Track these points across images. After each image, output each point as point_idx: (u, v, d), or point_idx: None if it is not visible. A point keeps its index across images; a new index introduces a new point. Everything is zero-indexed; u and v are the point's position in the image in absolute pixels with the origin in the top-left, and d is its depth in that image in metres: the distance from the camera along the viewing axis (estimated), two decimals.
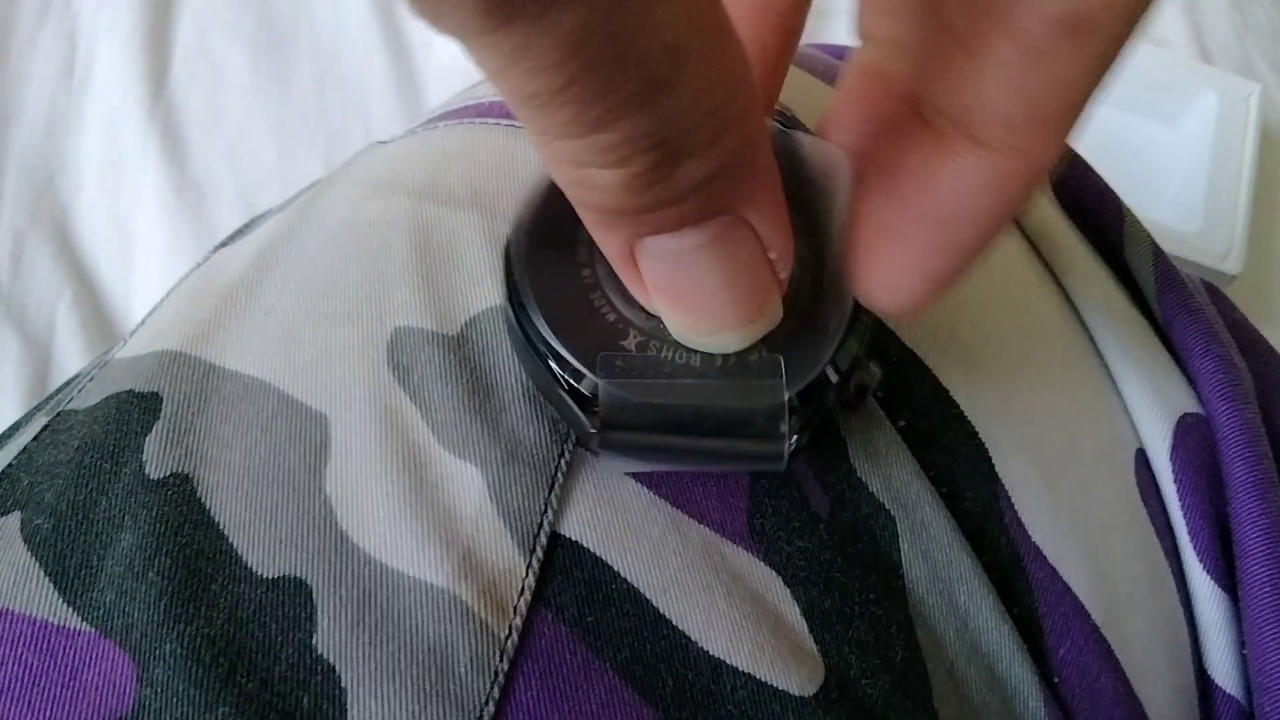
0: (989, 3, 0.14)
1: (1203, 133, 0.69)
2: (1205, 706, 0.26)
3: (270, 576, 0.19)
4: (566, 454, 0.21)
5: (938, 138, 0.16)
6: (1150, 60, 0.72)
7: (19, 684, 0.18)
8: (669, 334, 0.19)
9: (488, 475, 0.20)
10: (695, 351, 0.20)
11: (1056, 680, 0.23)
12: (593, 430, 0.19)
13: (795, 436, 0.19)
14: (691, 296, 0.18)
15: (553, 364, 0.20)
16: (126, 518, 0.20)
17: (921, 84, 0.16)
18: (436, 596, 0.19)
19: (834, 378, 0.20)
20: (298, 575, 0.19)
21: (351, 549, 0.20)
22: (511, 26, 0.12)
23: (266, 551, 0.20)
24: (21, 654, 0.19)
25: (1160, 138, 0.72)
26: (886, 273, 0.18)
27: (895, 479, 0.23)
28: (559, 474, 0.21)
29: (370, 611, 0.19)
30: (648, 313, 0.20)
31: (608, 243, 0.17)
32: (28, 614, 0.19)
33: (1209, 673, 0.26)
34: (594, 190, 0.15)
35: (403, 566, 0.20)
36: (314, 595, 0.19)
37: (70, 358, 0.60)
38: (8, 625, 0.19)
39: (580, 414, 0.20)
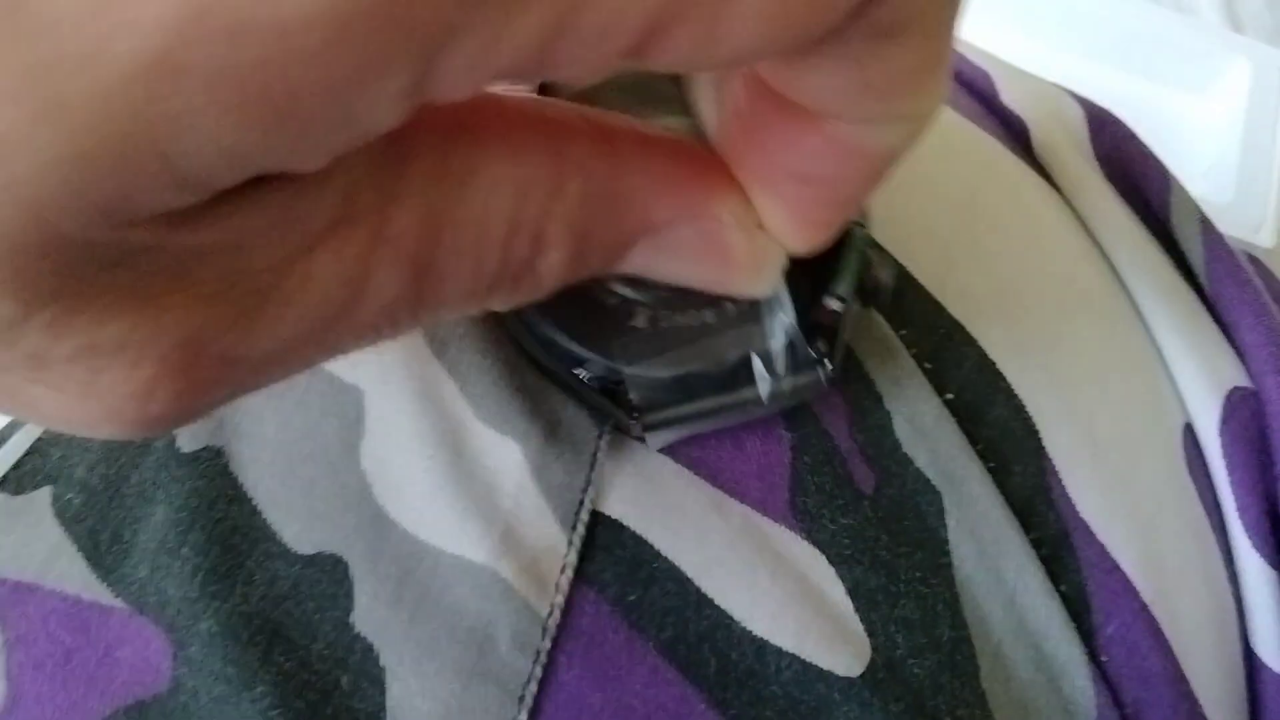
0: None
1: (1235, 103, 0.67)
2: (1251, 685, 0.25)
3: (306, 553, 0.19)
4: (606, 432, 0.21)
5: (795, 113, 0.15)
6: (1180, 30, 0.71)
7: (52, 661, 0.18)
8: (675, 299, 0.19)
9: (528, 452, 0.20)
10: (705, 308, 0.19)
11: (1104, 659, 0.22)
12: (633, 419, 0.19)
13: (829, 366, 0.19)
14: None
15: (577, 371, 0.19)
16: (159, 492, 0.20)
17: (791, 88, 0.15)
18: (477, 574, 0.19)
19: (837, 305, 0.20)
20: (334, 552, 0.19)
21: (389, 525, 0.19)
22: None
23: (302, 527, 0.19)
24: (55, 630, 0.18)
25: (1192, 108, 0.71)
26: (778, 225, 0.17)
27: (942, 453, 0.22)
28: (599, 452, 0.20)
29: (409, 589, 0.19)
30: (647, 284, 0.19)
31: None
32: (60, 590, 0.19)
33: (1255, 651, 0.25)
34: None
35: (442, 543, 0.19)
36: (351, 572, 0.19)
37: None
38: (40, 601, 0.19)
39: (615, 408, 0.19)
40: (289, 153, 0.11)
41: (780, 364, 0.19)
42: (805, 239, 0.16)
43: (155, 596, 0.19)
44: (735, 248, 0.15)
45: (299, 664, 0.18)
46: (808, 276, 0.19)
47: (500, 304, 0.15)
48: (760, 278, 0.16)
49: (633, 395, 0.19)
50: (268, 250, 0.12)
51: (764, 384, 0.19)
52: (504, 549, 0.19)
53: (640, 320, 0.19)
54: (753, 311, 0.19)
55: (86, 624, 0.18)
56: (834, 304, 0.20)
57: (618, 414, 0.20)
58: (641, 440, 0.20)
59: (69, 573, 0.19)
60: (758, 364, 0.19)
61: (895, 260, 0.20)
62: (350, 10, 0.09)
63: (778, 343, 0.19)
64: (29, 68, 0.08)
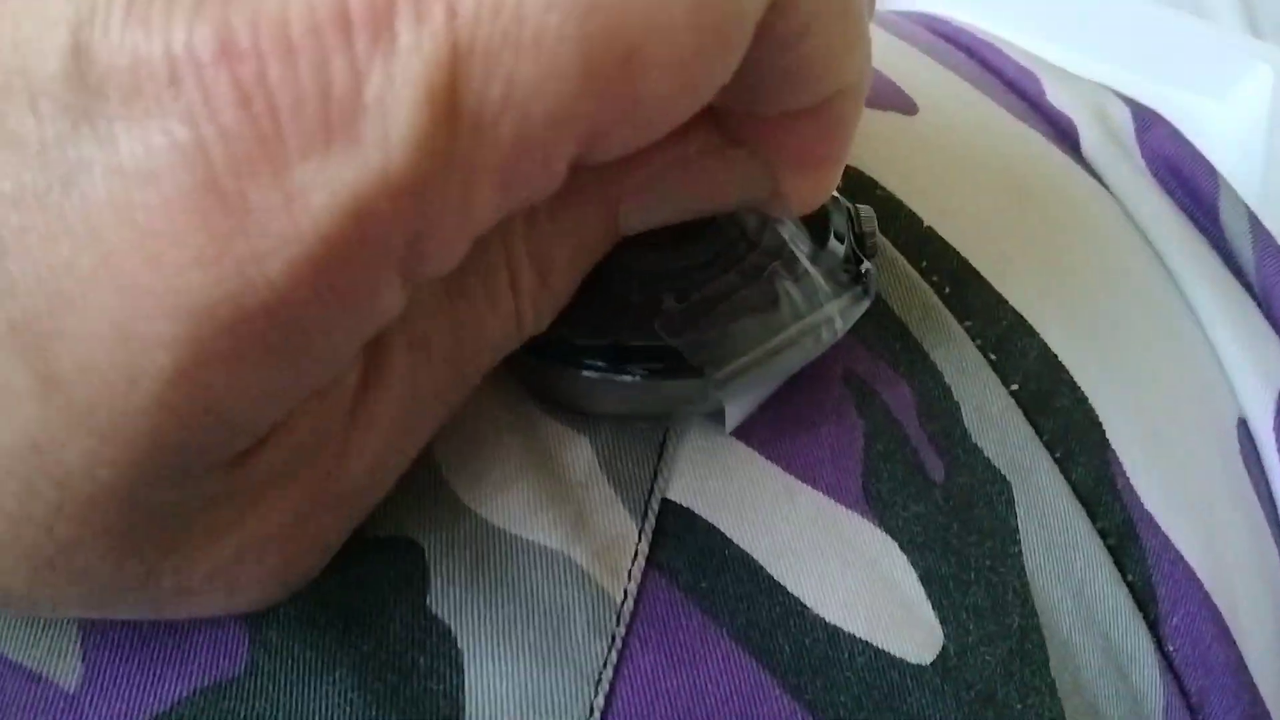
0: None
1: (1257, 109, 0.68)
2: None
3: (380, 536, 0.19)
4: (676, 423, 0.21)
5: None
6: (1201, 35, 0.71)
7: (127, 642, 0.18)
8: (695, 272, 0.20)
9: (596, 444, 0.20)
10: (728, 271, 0.20)
11: (1170, 648, 0.22)
12: (708, 388, 0.19)
13: (870, 276, 0.20)
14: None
15: (629, 375, 0.19)
16: None
17: None
18: (550, 559, 0.19)
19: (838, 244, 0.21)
20: (408, 535, 0.19)
21: (463, 511, 0.20)
22: None
23: (377, 512, 0.19)
24: None
25: (1212, 113, 0.71)
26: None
27: (1010, 443, 0.22)
28: (667, 441, 0.20)
29: (484, 573, 0.19)
30: (661, 273, 0.20)
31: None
32: None
33: None
34: None
35: (515, 529, 0.19)
36: (425, 555, 0.19)
37: None
38: None
39: (681, 382, 0.19)
40: (321, 374, 0.12)
41: (822, 290, 0.20)
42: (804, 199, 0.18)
43: None
44: (720, 174, 0.17)
45: (376, 644, 0.18)
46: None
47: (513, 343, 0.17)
48: (759, 190, 0.18)
49: (697, 361, 0.19)
50: (327, 421, 0.14)
51: (815, 305, 0.20)
52: (576, 535, 0.19)
53: (669, 302, 0.19)
54: (772, 262, 0.20)
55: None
56: (836, 244, 0.21)
57: (685, 389, 0.19)
58: (718, 408, 0.20)
59: None
60: (801, 291, 0.20)
61: (870, 210, 0.22)
62: (322, 257, 0.11)
63: (812, 270, 0.20)
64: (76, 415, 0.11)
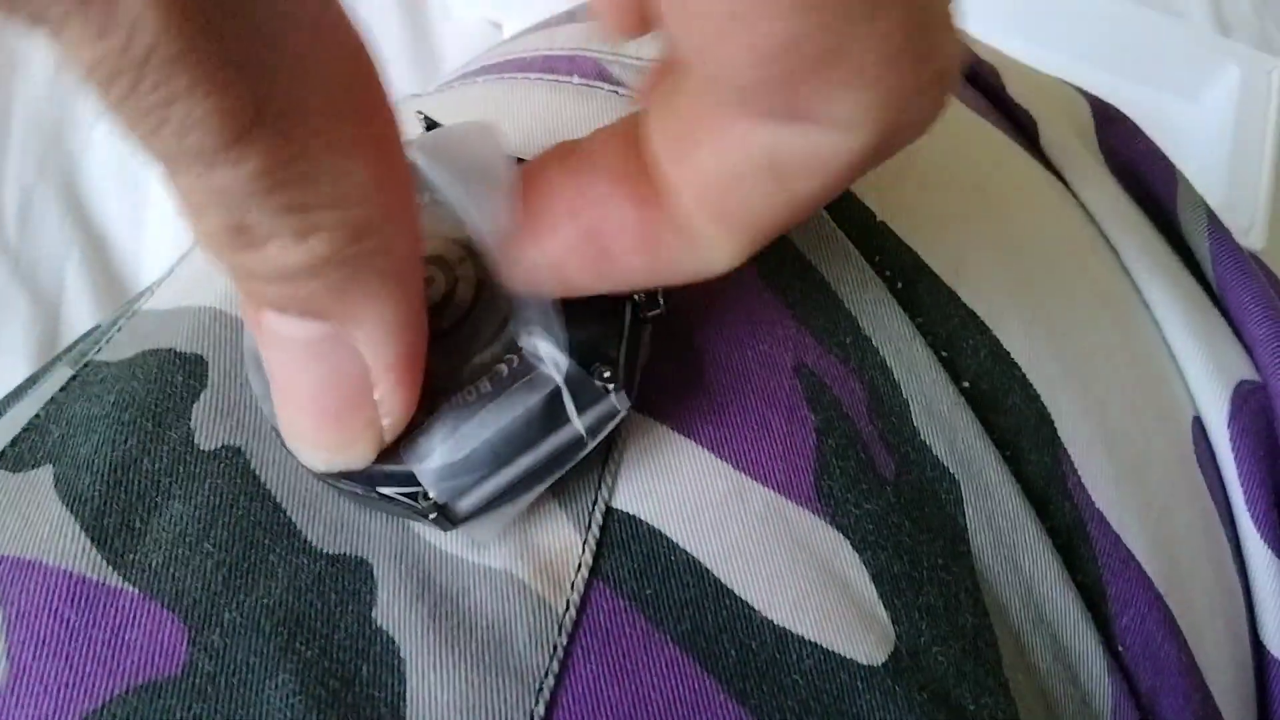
0: (702, 108, 0.15)
1: (1225, 107, 0.68)
2: (1259, 676, 0.26)
3: (330, 553, 0.19)
4: (623, 426, 0.20)
5: (640, 185, 0.16)
6: (1171, 34, 0.71)
7: (55, 639, 0.18)
8: (444, 380, 0.18)
9: None
10: (478, 379, 0.18)
11: (1120, 649, 0.22)
12: (441, 522, 0.18)
13: (618, 390, 0.18)
14: (286, 390, 0.17)
15: (384, 490, 0.18)
16: (175, 485, 0.20)
17: (645, 132, 0.16)
18: (494, 577, 0.19)
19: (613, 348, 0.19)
20: (359, 555, 0.19)
21: (413, 536, 0.20)
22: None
23: (326, 529, 0.19)
24: (58, 607, 0.18)
25: (1181, 112, 0.71)
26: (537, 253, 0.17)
27: (959, 441, 0.22)
28: (613, 449, 0.20)
29: (430, 590, 0.19)
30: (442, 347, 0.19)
31: (240, 299, 0.17)
32: (64, 568, 0.18)
33: (1264, 642, 0.25)
34: (192, 231, 0.14)
35: (462, 553, 0.19)
36: (375, 572, 0.19)
37: (81, 319, 0.59)
38: (43, 578, 0.18)
39: (429, 516, 0.18)
40: None
41: (570, 406, 0.18)
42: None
43: (171, 585, 0.18)
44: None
45: (320, 652, 0.18)
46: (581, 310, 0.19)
47: None
48: None
49: (433, 493, 0.18)
50: None
51: (574, 420, 0.18)
52: (520, 552, 0.19)
53: (418, 415, 0.18)
54: (526, 366, 0.18)
55: (93, 603, 0.18)
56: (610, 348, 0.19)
57: (436, 521, 0.18)
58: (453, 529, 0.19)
59: (73, 552, 0.19)
60: (563, 400, 0.18)
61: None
62: None
63: (561, 379, 0.18)
64: None
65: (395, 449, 0.18)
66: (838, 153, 0.14)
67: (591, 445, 0.19)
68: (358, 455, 0.17)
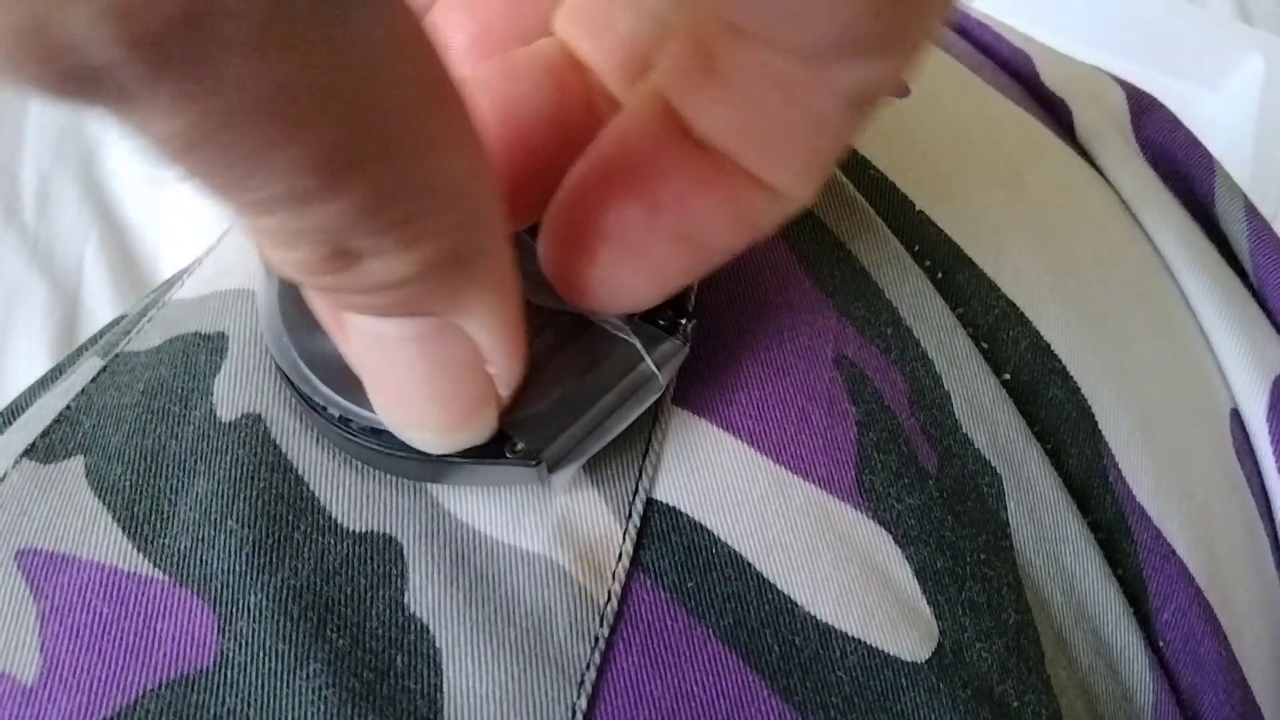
0: (774, 74, 0.14)
1: (1248, 97, 0.67)
2: None
3: (357, 530, 0.19)
4: (662, 420, 0.20)
5: (703, 160, 0.15)
6: (1194, 23, 0.71)
7: (89, 632, 0.17)
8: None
9: None
10: (544, 330, 0.19)
11: (1161, 644, 0.22)
12: (534, 465, 0.18)
13: (686, 326, 0.19)
14: (392, 384, 0.16)
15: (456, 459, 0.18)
16: (199, 463, 0.19)
17: (696, 115, 0.15)
18: (533, 562, 0.18)
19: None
20: (387, 532, 0.19)
21: (443, 514, 0.19)
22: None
23: (352, 504, 0.19)
24: (91, 601, 0.18)
25: (1204, 102, 0.71)
26: (622, 279, 0.17)
27: (1001, 435, 0.22)
28: (653, 439, 0.20)
29: (464, 573, 0.18)
30: None
31: (315, 304, 0.16)
32: (96, 560, 0.18)
33: None
34: (274, 258, 0.13)
35: (497, 534, 0.19)
36: (405, 553, 0.18)
37: (99, 304, 0.59)
38: (76, 572, 0.18)
39: (516, 467, 0.18)
40: None
41: (639, 345, 0.19)
42: (648, 296, 0.17)
43: (199, 569, 0.18)
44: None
45: (352, 641, 0.17)
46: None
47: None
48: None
49: (521, 444, 0.18)
50: None
51: (645, 359, 0.19)
52: (559, 538, 0.19)
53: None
54: (588, 319, 0.19)
55: (125, 595, 0.18)
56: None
57: (521, 473, 0.18)
58: (548, 484, 0.19)
59: (105, 544, 0.19)
60: (616, 350, 0.19)
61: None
62: None
63: (625, 326, 0.19)
64: None
65: None
66: (904, 69, 0.14)
67: (666, 382, 0.19)
68: (482, 429, 0.17)
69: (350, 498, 0.19)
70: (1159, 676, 0.21)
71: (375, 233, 0.12)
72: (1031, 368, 0.23)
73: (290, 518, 0.19)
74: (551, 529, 0.19)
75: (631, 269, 0.16)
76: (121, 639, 0.17)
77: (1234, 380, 0.27)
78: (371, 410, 0.18)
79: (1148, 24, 0.71)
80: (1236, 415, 0.26)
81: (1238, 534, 0.25)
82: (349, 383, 0.18)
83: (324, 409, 0.19)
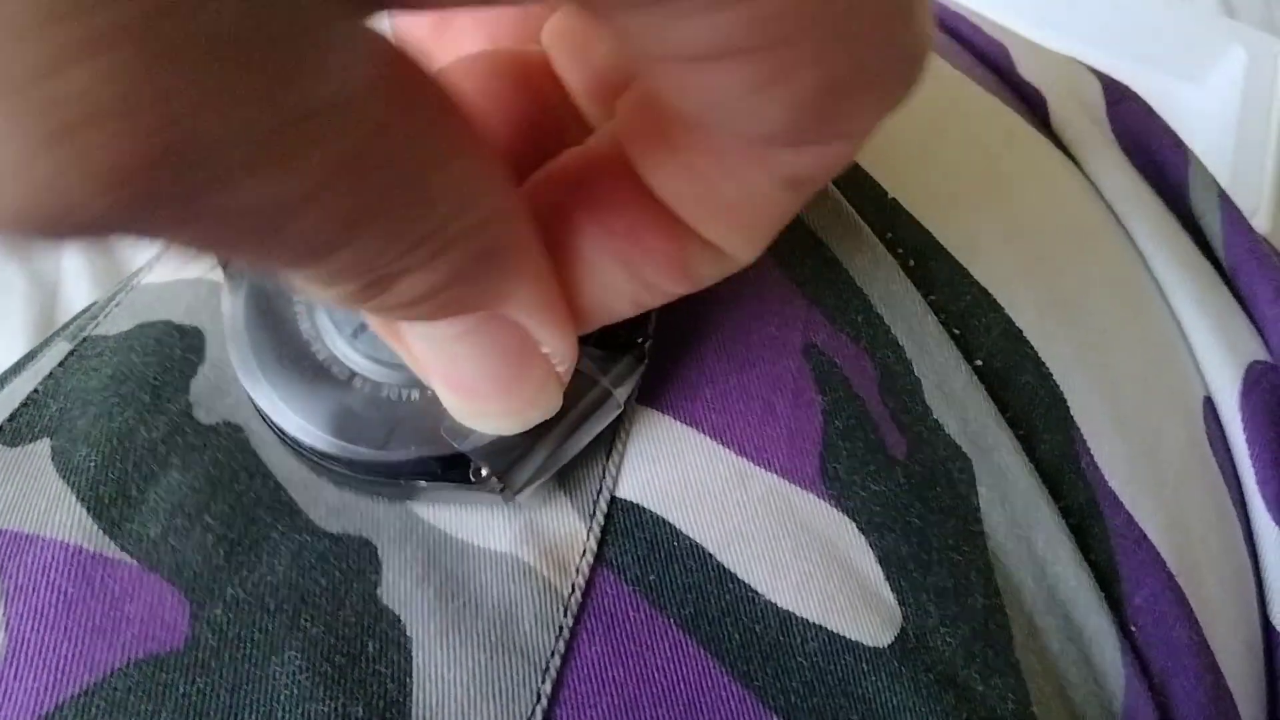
0: (716, 151, 0.14)
1: (1230, 90, 0.68)
2: (1269, 658, 0.25)
3: (333, 532, 0.19)
4: (626, 421, 0.20)
5: (656, 207, 0.16)
6: (1175, 16, 0.71)
7: (54, 611, 0.18)
8: None
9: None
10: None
11: (1134, 629, 0.22)
12: (500, 492, 0.19)
13: (645, 344, 0.20)
14: (455, 378, 0.17)
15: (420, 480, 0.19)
16: (173, 455, 0.20)
17: (645, 172, 0.16)
18: (500, 560, 0.19)
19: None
20: (363, 534, 0.19)
21: (416, 519, 0.20)
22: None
23: (327, 510, 0.19)
24: (55, 580, 0.18)
25: (1186, 95, 0.71)
26: (567, 290, 0.17)
27: (972, 420, 0.22)
28: (616, 440, 0.20)
29: (435, 571, 0.19)
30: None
31: (371, 321, 0.16)
32: (60, 540, 0.18)
33: (1273, 624, 0.25)
34: (312, 294, 0.13)
35: (467, 537, 0.19)
36: (379, 553, 0.19)
37: (78, 298, 0.59)
38: (40, 551, 0.18)
39: (481, 490, 0.19)
40: None
41: (593, 368, 0.19)
42: (597, 323, 0.17)
43: (170, 557, 0.18)
44: (535, 367, 0.16)
45: (325, 629, 0.18)
46: None
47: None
48: (534, 405, 0.17)
49: (484, 469, 0.18)
50: None
51: (600, 381, 0.19)
52: (526, 538, 0.19)
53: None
54: None
55: (91, 576, 0.18)
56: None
57: (487, 495, 0.19)
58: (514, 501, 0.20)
59: (70, 524, 0.19)
60: (586, 367, 0.19)
61: None
62: None
63: (589, 350, 0.19)
64: None
65: (441, 436, 0.18)
66: (851, 152, 0.14)
67: (624, 399, 0.19)
68: (548, 404, 0.17)
69: (327, 505, 0.19)
70: (1130, 661, 0.21)
71: (401, 255, 0.12)
72: (1004, 354, 0.23)
73: (268, 519, 0.19)
74: (518, 530, 0.19)
75: (575, 282, 0.16)
76: (87, 619, 0.17)
77: (1207, 368, 0.27)
78: (341, 439, 0.18)
79: (1130, 17, 0.71)
80: (1209, 403, 0.26)
81: (1210, 520, 0.25)
82: (322, 412, 0.19)
83: (297, 441, 0.19)
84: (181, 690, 0.17)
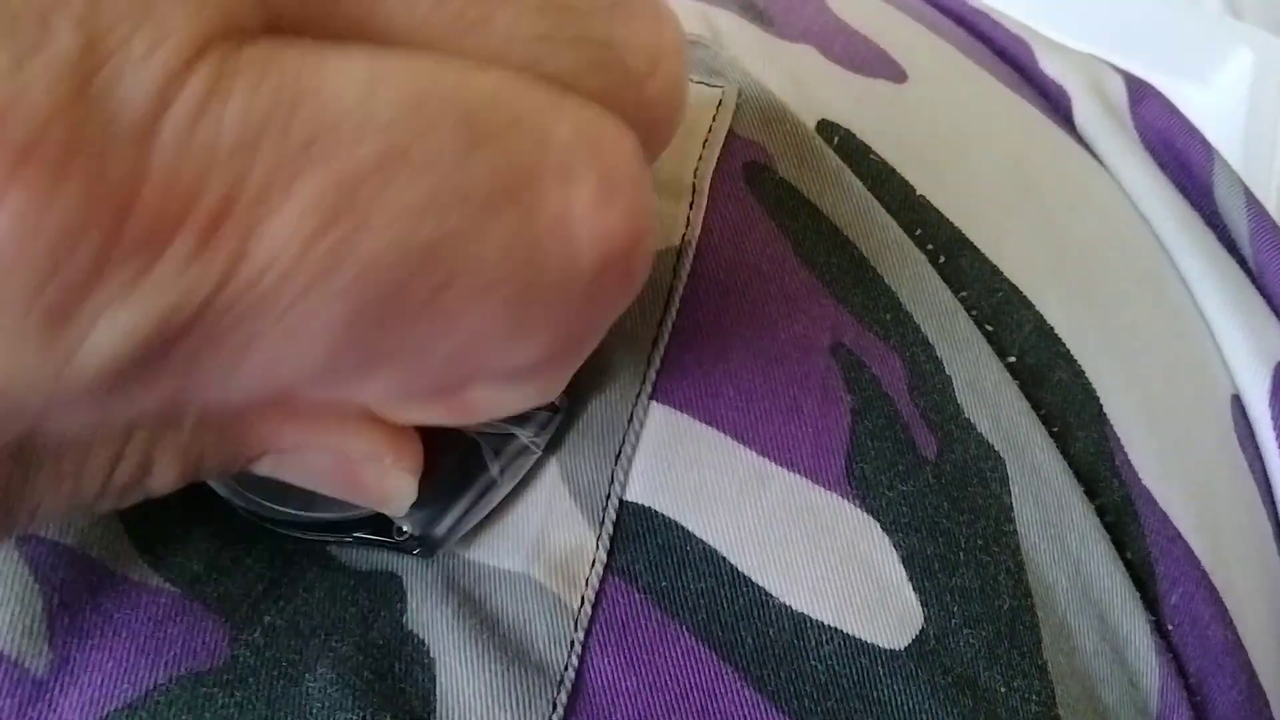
0: None
1: (1237, 91, 0.68)
2: None
3: (363, 570, 0.20)
4: (638, 420, 0.20)
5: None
6: (1183, 18, 0.71)
7: (99, 631, 0.18)
8: None
9: (560, 458, 0.20)
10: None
11: (1170, 628, 0.22)
12: (424, 551, 0.19)
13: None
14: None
15: (355, 536, 0.19)
16: (212, 500, 0.20)
17: None
18: (513, 580, 0.19)
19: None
20: (389, 570, 0.20)
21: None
22: None
23: (358, 553, 0.20)
24: (101, 603, 0.18)
25: (1193, 97, 0.71)
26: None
27: (1004, 419, 0.22)
28: (627, 442, 0.20)
29: (454, 593, 0.19)
30: None
31: None
32: (105, 565, 0.19)
33: None
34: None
35: (482, 559, 0.20)
36: (404, 583, 0.19)
37: None
38: (86, 571, 0.19)
39: (409, 551, 0.19)
40: None
41: (502, 425, 0.20)
42: None
43: (213, 589, 0.19)
44: (365, 478, 0.17)
45: (355, 649, 0.18)
46: None
47: (108, 508, 0.16)
48: (389, 506, 0.18)
49: (408, 527, 0.19)
50: None
51: (504, 441, 0.19)
52: (535, 555, 0.19)
53: None
54: None
55: (136, 600, 0.18)
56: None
57: (420, 553, 0.19)
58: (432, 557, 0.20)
59: (117, 549, 0.19)
60: (486, 435, 0.19)
61: None
62: None
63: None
64: None
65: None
66: None
67: (544, 443, 0.20)
68: (400, 497, 0.18)
69: (358, 551, 0.20)
70: (1166, 662, 0.21)
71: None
72: (1036, 351, 0.23)
73: (305, 562, 0.20)
74: (528, 548, 0.19)
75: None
76: (131, 638, 0.18)
77: (1235, 366, 0.27)
78: (272, 501, 0.19)
79: (1135, 18, 0.71)
80: (1237, 400, 0.26)
81: (1240, 518, 0.24)
82: (257, 479, 0.19)
83: (245, 505, 0.19)
84: (220, 702, 0.17)
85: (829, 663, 0.19)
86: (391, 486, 0.17)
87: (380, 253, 0.10)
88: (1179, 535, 0.23)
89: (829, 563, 0.19)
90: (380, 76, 0.10)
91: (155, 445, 0.15)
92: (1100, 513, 0.22)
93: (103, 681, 0.17)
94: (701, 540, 0.19)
